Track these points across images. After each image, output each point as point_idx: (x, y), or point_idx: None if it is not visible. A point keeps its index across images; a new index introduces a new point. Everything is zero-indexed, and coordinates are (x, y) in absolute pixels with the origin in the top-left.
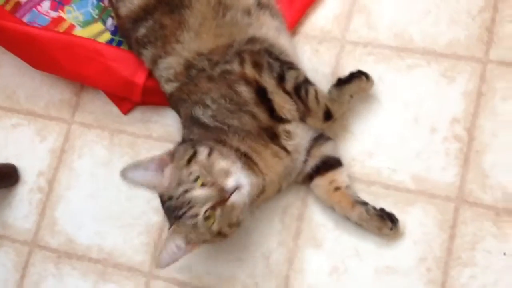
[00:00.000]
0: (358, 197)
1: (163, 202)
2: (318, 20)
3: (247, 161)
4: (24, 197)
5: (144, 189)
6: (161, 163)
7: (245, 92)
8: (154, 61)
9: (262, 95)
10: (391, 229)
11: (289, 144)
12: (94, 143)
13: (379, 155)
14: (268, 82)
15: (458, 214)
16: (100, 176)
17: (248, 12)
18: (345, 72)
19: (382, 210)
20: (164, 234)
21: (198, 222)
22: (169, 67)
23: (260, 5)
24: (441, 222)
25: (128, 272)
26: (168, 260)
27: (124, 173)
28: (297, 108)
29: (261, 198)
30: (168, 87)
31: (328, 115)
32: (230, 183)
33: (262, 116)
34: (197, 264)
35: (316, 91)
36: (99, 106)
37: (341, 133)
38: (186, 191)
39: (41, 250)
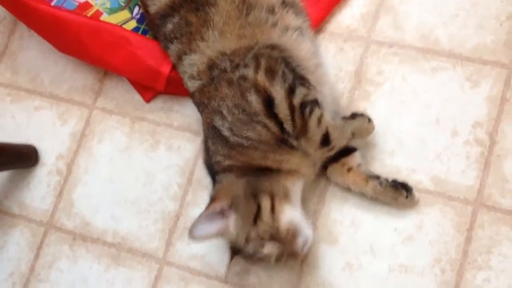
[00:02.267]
0: (371, 172)
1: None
2: (344, 18)
3: (283, 174)
4: (43, 178)
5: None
6: (222, 212)
7: (255, 102)
8: (179, 57)
9: (269, 106)
10: (407, 197)
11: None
12: (115, 129)
13: (399, 155)
14: (278, 92)
15: (475, 217)
16: (118, 161)
17: (272, 11)
18: (370, 71)
19: (394, 181)
20: (180, 222)
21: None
22: (193, 64)
23: (284, 3)
24: (458, 224)
25: (142, 257)
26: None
27: (192, 234)
28: (293, 127)
29: None
30: (191, 85)
31: (326, 140)
32: (300, 244)
33: (274, 128)
34: (211, 253)
35: (321, 113)
36: (122, 93)
37: None
38: (256, 249)
39: (57, 232)
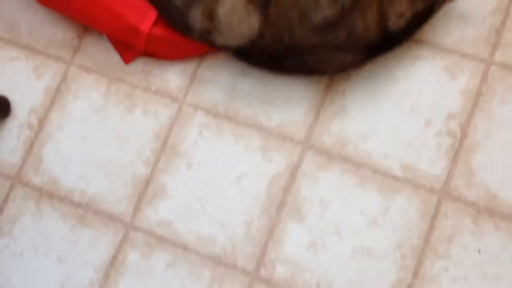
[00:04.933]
0: None
1: None
2: None
3: None
4: (13, 131)
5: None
6: None
7: None
8: None
9: None
10: None
11: None
12: (91, 88)
13: (373, 139)
14: None
15: (440, 206)
16: (92, 121)
17: None
18: None
19: None
20: (150, 188)
21: None
22: None
23: None
24: (423, 212)
25: (109, 220)
26: None
27: None
28: None
29: None
30: None
31: None
32: None
33: None
34: (179, 221)
35: None
36: (101, 51)
37: (339, 112)
38: None
39: (23, 187)
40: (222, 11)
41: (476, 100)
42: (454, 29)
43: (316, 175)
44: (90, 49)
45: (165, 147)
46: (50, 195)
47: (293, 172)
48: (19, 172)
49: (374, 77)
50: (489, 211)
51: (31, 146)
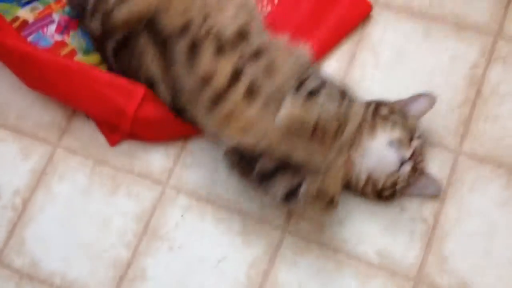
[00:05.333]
0: None
1: None
2: None
3: None
4: None
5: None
6: None
7: None
8: None
9: None
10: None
11: None
12: (76, 170)
13: (348, 225)
14: None
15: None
16: (76, 203)
17: None
18: None
19: None
20: (130, 270)
21: None
22: None
23: None
24: None
25: None
26: None
27: None
28: None
29: None
30: None
31: None
32: None
33: None
34: None
35: None
36: (88, 133)
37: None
38: None
39: (4, 268)
40: None
41: (447, 189)
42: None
43: (295, 259)
44: (78, 131)
45: (147, 229)
46: (31, 278)
47: (272, 256)
48: (1, 254)
49: None
50: None
51: (14, 228)
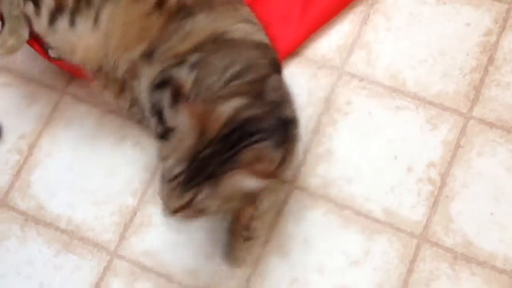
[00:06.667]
0: None
1: None
2: (322, 47)
3: None
4: (2, 156)
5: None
6: None
7: None
8: None
9: None
10: None
11: None
12: (83, 117)
13: (357, 183)
14: None
15: (419, 250)
16: (83, 149)
17: None
18: (339, 100)
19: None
20: (136, 218)
21: None
22: None
23: None
24: (402, 255)
25: (94, 247)
26: None
27: None
28: None
29: None
30: None
31: None
32: None
33: None
34: (164, 251)
35: None
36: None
37: (325, 156)
38: None
39: (9, 210)
40: None
41: (455, 151)
42: (436, 83)
43: (301, 213)
44: (85, 80)
45: (153, 178)
46: (36, 220)
47: (279, 210)
48: (5, 196)
49: (360, 124)
50: (465, 258)
51: (19, 171)
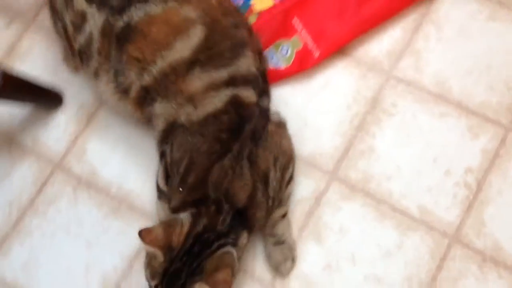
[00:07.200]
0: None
1: None
2: (372, 50)
3: None
4: (61, 124)
5: None
6: None
7: None
8: None
9: None
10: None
11: None
12: None
13: (395, 180)
14: None
15: (450, 250)
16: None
17: None
18: (385, 101)
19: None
20: None
21: None
22: None
23: None
24: (433, 252)
25: (141, 216)
26: None
27: None
28: None
29: None
30: None
31: None
32: None
33: None
34: None
35: None
36: None
37: (367, 152)
38: None
39: (63, 172)
40: None
41: (493, 160)
42: (480, 94)
43: (339, 204)
44: None
45: None
46: (88, 184)
47: (318, 199)
48: (62, 160)
49: (403, 126)
50: (494, 261)
51: (76, 138)
